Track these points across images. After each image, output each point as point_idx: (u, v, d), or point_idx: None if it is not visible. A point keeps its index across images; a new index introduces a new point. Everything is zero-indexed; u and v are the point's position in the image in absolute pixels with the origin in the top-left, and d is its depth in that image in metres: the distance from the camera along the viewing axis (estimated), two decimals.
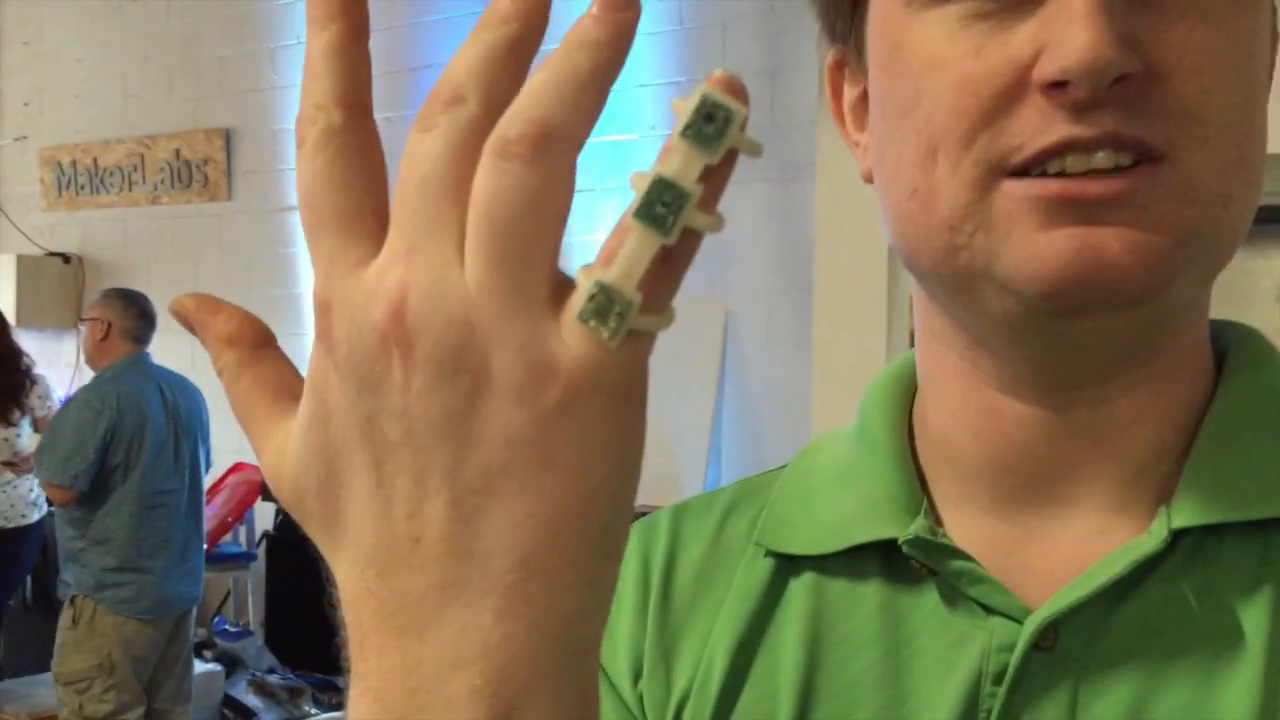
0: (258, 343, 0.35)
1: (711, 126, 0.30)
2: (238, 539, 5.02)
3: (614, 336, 0.29)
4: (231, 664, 4.35)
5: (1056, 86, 0.43)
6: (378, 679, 0.31)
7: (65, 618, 3.48)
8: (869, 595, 0.51)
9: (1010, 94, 0.44)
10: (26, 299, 6.00)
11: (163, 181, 5.89)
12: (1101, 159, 0.43)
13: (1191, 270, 0.46)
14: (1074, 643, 0.46)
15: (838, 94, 0.56)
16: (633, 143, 4.45)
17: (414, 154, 0.31)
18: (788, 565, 0.54)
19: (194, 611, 3.80)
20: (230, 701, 4.21)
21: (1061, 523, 0.49)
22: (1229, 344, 0.53)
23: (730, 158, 0.30)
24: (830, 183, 3.38)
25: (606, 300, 0.29)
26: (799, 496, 0.56)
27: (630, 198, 0.31)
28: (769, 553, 0.55)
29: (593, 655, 0.32)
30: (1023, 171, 0.44)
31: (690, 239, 0.30)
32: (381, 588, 0.31)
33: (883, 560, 0.51)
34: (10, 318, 5.89)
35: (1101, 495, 0.49)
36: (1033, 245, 0.44)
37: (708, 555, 0.57)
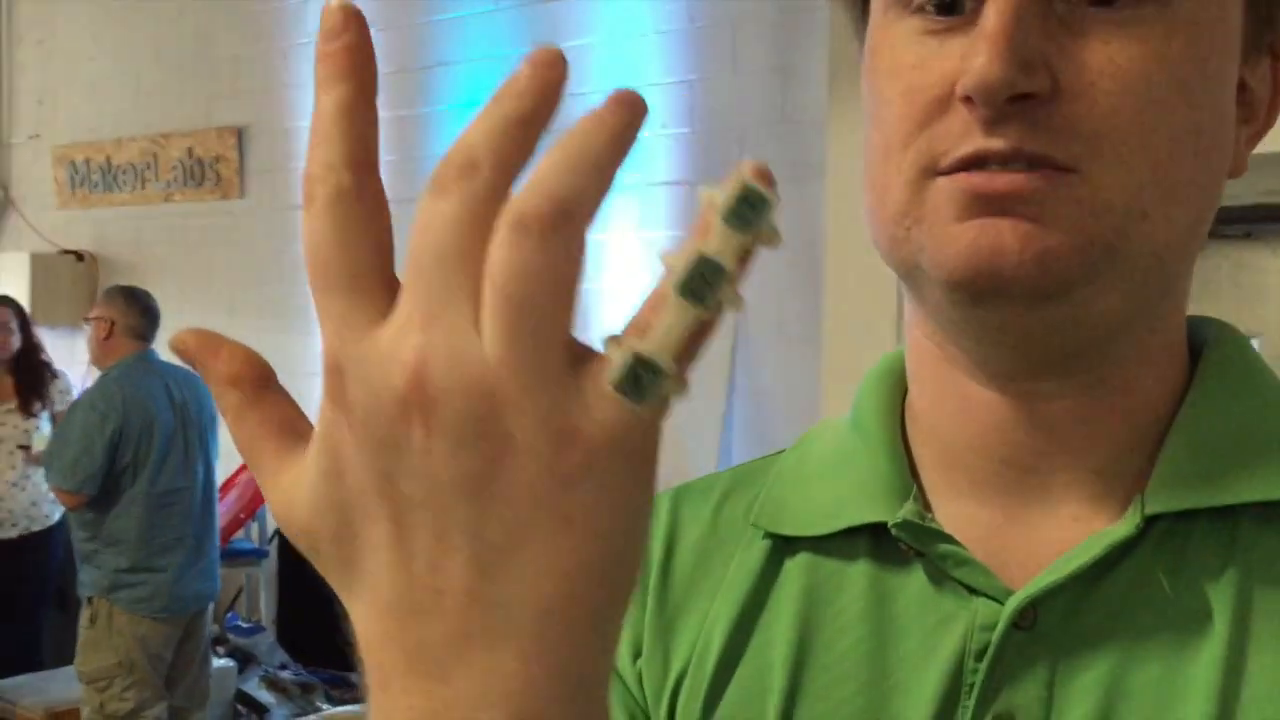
0: (260, 382, 0.36)
1: (751, 212, 0.31)
2: (250, 536, 5.05)
3: (646, 405, 0.31)
4: (244, 660, 4.38)
5: (968, 100, 0.47)
6: (403, 716, 0.33)
7: (84, 617, 3.51)
8: (859, 575, 0.54)
9: (942, 104, 0.48)
10: (40, 296, 6.03)
11: (176, 179, 5.91)
12: (1002, 172, 0.47)
13: (1100, 279, 0.48)
14: (1052, 622, 0.49)
15: None
16: (640, 141, 4.47)
17: (428, 220, 0.32)
18: (783, 546, 0.57)
19: (210, 608, 3.82)
20: (243, 697, 4.24)
21: (1042, 509, 0.52)
22: (1206, 340, 0.56)
23: (758, 242, 0.32)
24: (840, 181, 3.39)
25: (642, 371, 0.31)
26: (795, 481, 0.58)
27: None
28: (766, 534, 0.57)
29: (605, 687, 0.34)
30: (949, 171, 0.48)
31: (716, 316, 0.32)
32: (402, 634, 0.32)
33: (873, 542, 0.54)
34: None
35: (1079, 484, 0.52)
36: (947, 235, 0.48)
37: (706, 537, 0.60)
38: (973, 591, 0.51)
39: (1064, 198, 0.47)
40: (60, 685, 4.05)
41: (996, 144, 0.47)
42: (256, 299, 5.63)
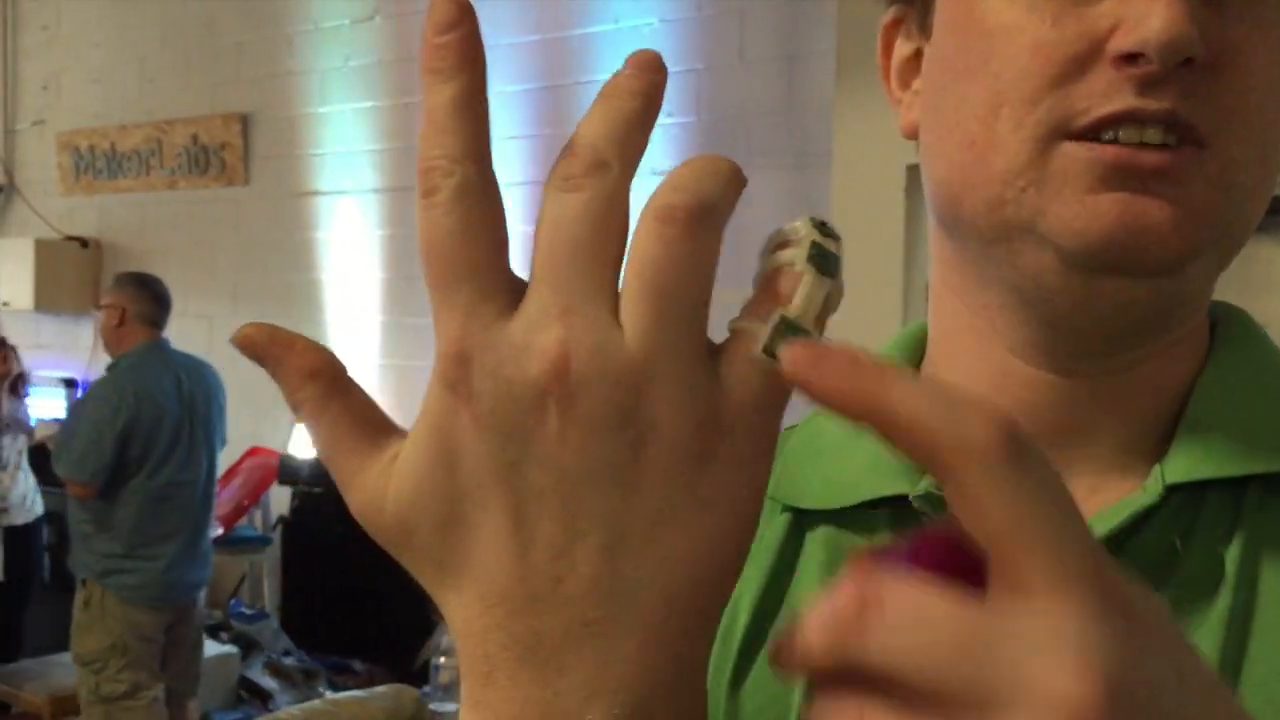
0: (336, 376, 0.36)
1: (832, 243, 0.35)
2: (253, 523, 5.06)
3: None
4: (247, 646, 4.39)
5: (1129, 59, 0.46)
6: (511, 708, 0.33)
7: (78, 599, 3.52)
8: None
9: (1081, 62, 0.47)
10: (44, 283, 6.04)
11: (180, 166, 5.91)
12: (1152, 134, 0.47)
13: (1212, 251, 0.50)
14: None
15: (889, 50, 0.59)
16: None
17: (560, 213, 0.33)
18: (804, 519, 0.57)
19: (201, 595, 3.81)
20: (246, 683, 4.25)
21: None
22: (1218, 320, 0.57)
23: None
24: (846, 169, 3.37)
25: (789, 331, 0.33)
26: (810, 454, 0.58)
27: None
28: (785, 508, 0.58)
29: (705, 672, 0.34)
30: (1080, 136, 0.48)
31: (840, 289, 0.35)
32: (514, 623, 0.32)
33: (894, 515, 0.54)
34: (28, 302, 5.96)
35: (1099, 457, 0.53)
36: (1082, 204, 0.47)
37: None
38: None
39: (1199, 175, 0.48)
40: (63, 671, 4.06)
41: (1150, 104, 0.47)
42: (260, 285, 5.63)
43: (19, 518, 4.22)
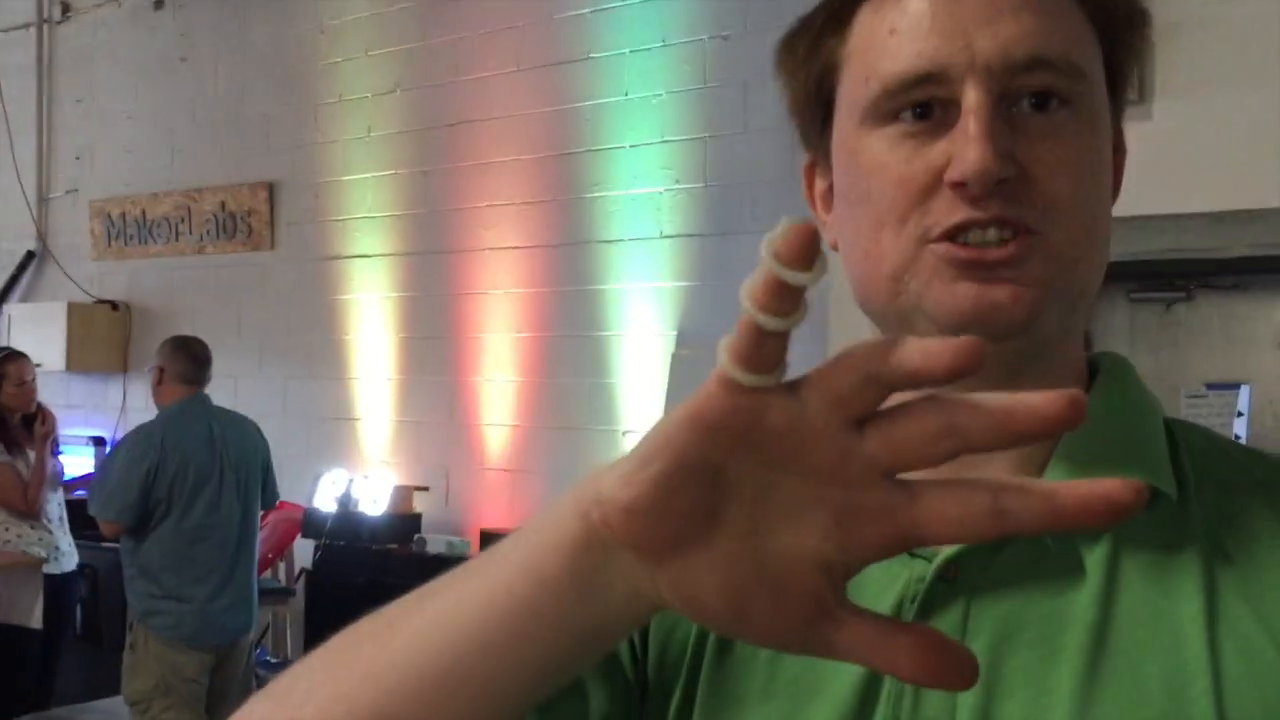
0: None
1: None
2: (277, 575, 5.20)
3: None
4: None
5: (959, 186, 0.62)
6: None
7: (128, 642, 3.69)
8: None
9: (930, 189, 0.64)
10: (76, 344, 6.23)
11: (208, 232, 6.11)
12: (991, 235, 0.63)
13: (1052, 311, 0.64)
14: (968, 575, 0.64)
15: (811, 186, 0.75)
16: (657, 196, 4.65)
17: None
18: None
19: (244, 641, 3.96)
20: None
21: None
22: (1099, 367, 0.72)
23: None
24: None
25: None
26: None
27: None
28: None
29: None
30: (939, 240, 0.64)
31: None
32: None
33: None
34: (60, 363, 6.15)
35: (999, 470, 0.65)
36: (947, 293, 0.63)
37: None
38: (913, 555, 0.65)
39: (1032, 256, 0.62)
40: (94, 718, 4.20)
41: (982, 215, 0.62)
42: (284, 346, 5.81)
43: (59, 568, 4.39)
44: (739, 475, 0.45)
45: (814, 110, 0.72)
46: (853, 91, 0.68)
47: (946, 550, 0.64)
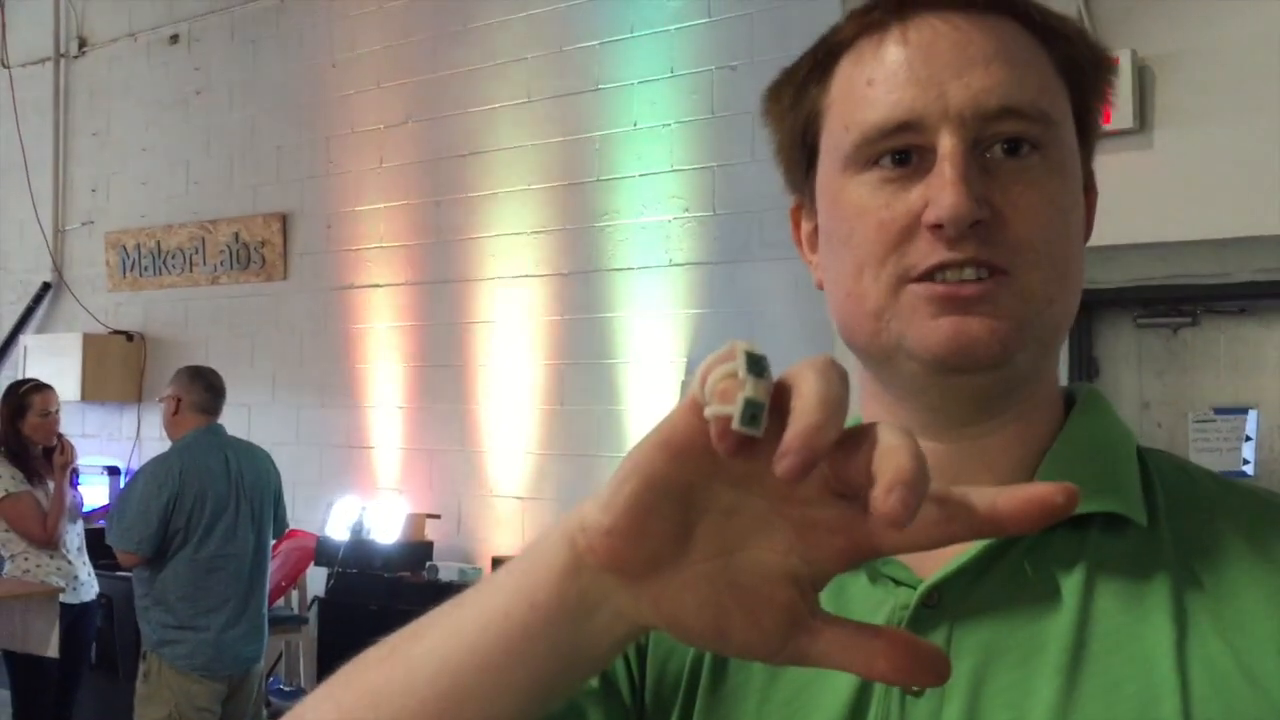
0: None
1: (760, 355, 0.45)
2: (290, 603, 5.22)
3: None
4: None
5: (936, 228, 0.66)
6: None
7: (140, 671, 3.71)
8: None
9: (908, 231, 0.67)
10: (91, 374, 6.29)
11: (222, 263, 6.17)
12: (967, 273, 0.66)
13: (1028, 348, 0.67)
14: (950, 601, 0.67)
15: (798, 227, 0.79)
16: (664, 225, 4.69)
17: None
18: None
19: (255, 670, 3.98)
20: None
21: None
22: (1075, 399, 0.75)
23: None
24: None
25: (751, 408, 0.43)
26: None
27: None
28: None
29: None
30: (918, 280, 0.67)
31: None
32: None
33: None
34: (75, 393, 6.20)
35: None
36: (927, 328, 0.66)
37: None
38: (898, 583, 0.68)
39: (1005, 294, 0.66)
40: None
41: (958, 255, 0.65)
42: (297, 376, 5.86)
43: (77, 597, 4.42)
44: (708, 496, 0.48)
45: (799, 155, 0.75)
46: (834, 139, 0.71)
47: (930, 578, 0.67)
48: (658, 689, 0.72)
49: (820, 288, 0.76)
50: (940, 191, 0.65)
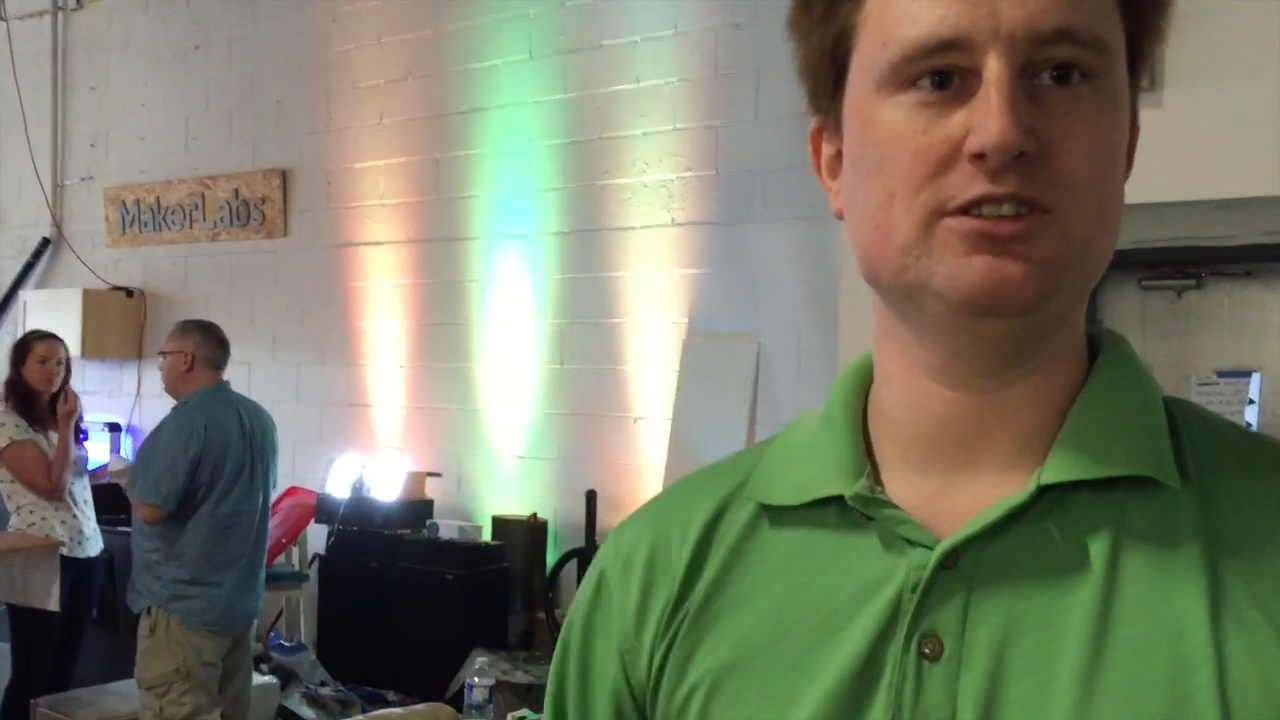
0: None
1: None
2: (291, 560, 5.24)
3: None
4: (286, 677, 4.55)
5: (978, 157, 0.61)
6: None
7: (143, 627, 3.70)
8: (828, 536, 0.70)
9: (947, 161, 0.62)
10: (91, 331, 6.28)
11: (222, 219, 6.15)
12: (1006, 209, 0.61)
13: (1064, 291, 0.63)
14: (969, 564, 0.64)
15: (818, 151, 0.74)
16: (668, 182, 4.65)
17: None
18: (768, 514, 0.73)
19: (255, 623, 4.01)
20: (285, 712, 4.41)
21: (968, 480, 0.67)
22: (1101, 346, 0.70)
23: None
24: None
25: None
26: (782, 459, 0.75)
27: None
28: (755, 502, 0.74)
29: None
30: (952, 214, 0.62)
31: None
32: None
33: (839, 511, 0.69)
34: (75, 349, 6.19)
35: (998, 460, 0.67)
36: (959, 267, 0.62)
37: (712, 520, 0.76)
38: (911, 544, 0.65)
39: (1045, 234, 0.61)
40: (112, 699, 4.24)
41: (999, 189, 0.60)
42: (297, 332, 5.84)
43: (83, 552, 4.44)
44: None
45: (826, 73, 0.69)
46: (869, 56, 0.65)
47: (948, 540, 0.65)
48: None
49: (840, 217, 0.71)
50: (985, 118, 0.60)
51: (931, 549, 0.65)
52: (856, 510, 0.68)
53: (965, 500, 0.66)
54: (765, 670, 0.67)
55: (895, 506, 0.67)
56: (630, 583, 0.75)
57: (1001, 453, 0.66)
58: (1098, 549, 0.63)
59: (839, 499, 0.69)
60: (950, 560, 0.64)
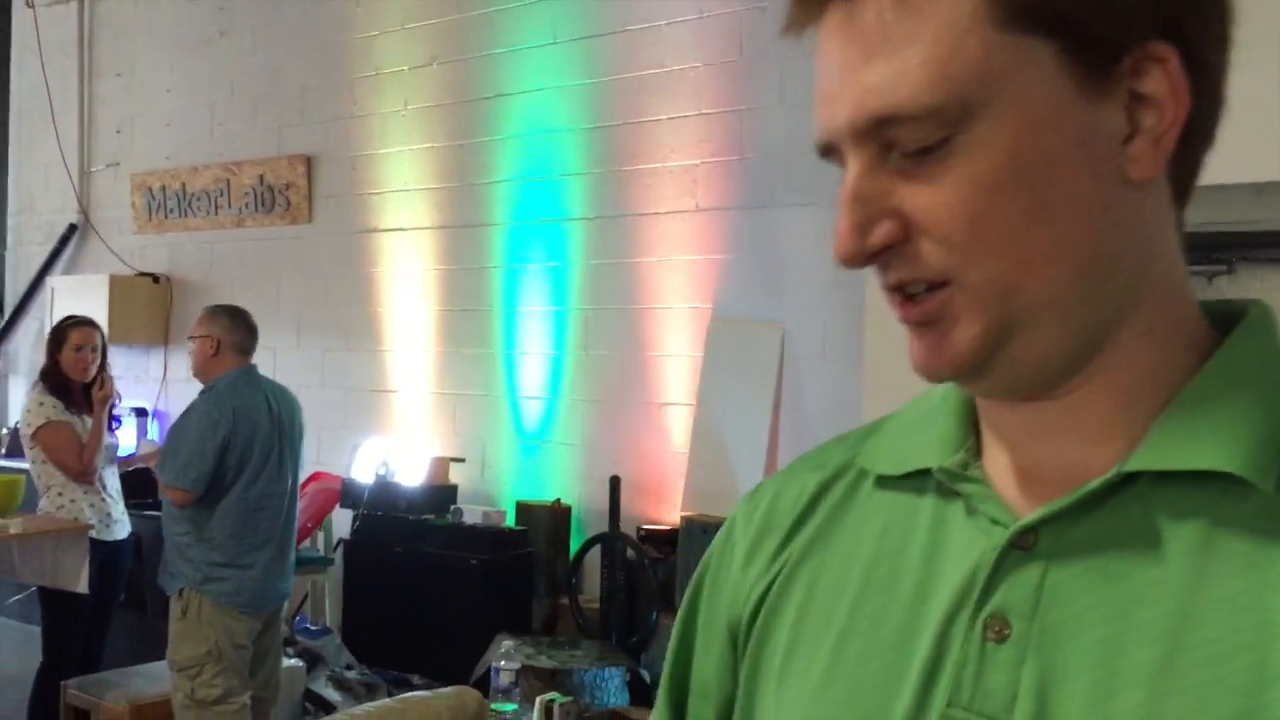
0: None
1: None
2: (316, 544, 5.27)
3: None
4: (312, 660, 4.58)
5: None
6: None
7: (175, 609, 3.73)
8: (925, 505, 0.71)
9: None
10: (118, 316, 6.32)
11: (247, 205, 6.18)
12: (911, 290, 0.62)
13: (1012, 344, 0.61)
14: (1046, 545, 0.62)
15: None
16: (693, 168, 4.64)
17: None
18: (876, 480, 0.75)
19: (285, 606, 4.04)
20: (311, 695, 4.44)
21: (1058, 460, 0.66)
22: (1238, 321, 0.64)
23: None
24: None
25: None
26: (893, 432, 0.76)
27: None
28: (864, 471, 0.76)
29: None
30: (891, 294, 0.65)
31: None
32: None
33: (937, 483, 0.71)
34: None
35: (1078, 448, 0.64)
36: (910, 346, 0.64)
37: (823, 485, 0.78)
38: (994, 521, 0.64)
39: (951, 306, 0.60)
40: (141, 681, 4.28)
41: (889, 280, 0.62)
42: (322, 318, 5.87)
43: (111, 535, 4.48)
44: None
45: None
46: None
47: (1025, 518, 0.63)
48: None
49: None
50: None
51: (1008, 527, 0.64)
52: (942, 483, 0.69)
53: (1054, 481, 0.64)
54: (841, 631, 0.69)
55: (981, 482, 0.67)
56: (750, 527, 0.79)
57: (1076, 441, 0.64)
58: (1185, 542, 0.59)
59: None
60: (1026, 539, 0.63)
